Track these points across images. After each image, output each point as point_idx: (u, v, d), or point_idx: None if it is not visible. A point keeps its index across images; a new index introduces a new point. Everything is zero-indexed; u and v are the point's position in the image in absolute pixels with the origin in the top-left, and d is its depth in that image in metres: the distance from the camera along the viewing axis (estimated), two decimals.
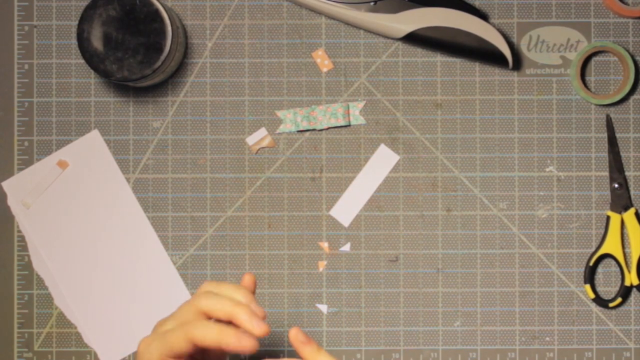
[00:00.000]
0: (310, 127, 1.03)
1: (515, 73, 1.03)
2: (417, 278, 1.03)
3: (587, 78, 1.04)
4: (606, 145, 1.03)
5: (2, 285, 1.04)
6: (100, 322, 1.03)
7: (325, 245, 1.03)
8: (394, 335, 1.03)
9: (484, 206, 1.03)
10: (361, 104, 1.03)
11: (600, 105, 1.03)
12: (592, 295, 1.02)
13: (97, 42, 0.96)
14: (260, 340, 1.03)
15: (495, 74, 1.03)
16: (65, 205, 1.03)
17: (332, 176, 1.03)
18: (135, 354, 0.84)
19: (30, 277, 1.04)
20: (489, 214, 1.03)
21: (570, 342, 1.03)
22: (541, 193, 1.03)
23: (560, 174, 1.03)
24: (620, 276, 1.03)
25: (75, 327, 1.03)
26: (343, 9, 1.01)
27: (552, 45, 1.03)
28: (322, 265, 1.03)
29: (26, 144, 1.04)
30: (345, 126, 1.03)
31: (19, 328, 1.03)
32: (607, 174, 1.03)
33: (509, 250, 1.03)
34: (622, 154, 1.03)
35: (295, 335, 0.79)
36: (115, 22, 0.96)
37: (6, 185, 1.04)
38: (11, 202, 1.04)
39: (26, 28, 1.04)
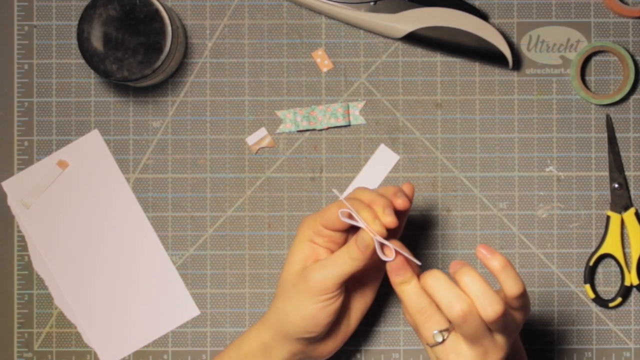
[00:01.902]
0: (310, 127, 1.03)
1: (515, 73, 1.03)
2: None
3: (587, 78, 1.04)
4: (606, 145, 1.03)
5: (2, 285, 1.04)
6: (100, 322, 1.03)
7: None
8: (394, 335, 1.03)
9: (484, 206, 1.03)
10: (361, 104, 1.03)
11: (600, 105, 1.03)
12: (592, 295, 1.02)
13: (97, 42, 0.96)
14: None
15: (495, 74, 1.03)
16: (65, 205, 1.03)
17: (332, 176, 1.03)
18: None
19: (30, 277, 1.04)
20: (489, 214, 1.03)
21: (570, 342, 1.02)
22: (541, 193, 1.03)
23: (560, 174, 1.03)
24: (620, 276, 1.03)
25: (75, 327, 1.03)
26: (343, 9, 1.01)
27: (552, 45, 1.03)
28: None
29: (26, 144, 1.04)
30: (345, 126, 1.03)
31: (19, 328, 1.03)
32: (607, 174, 1.03)
33: (509, 250, 1.03)
34: (622, 154, 1.03)
35: (479, 250, 0.82)
36: (115, 22, 0.96)
37: (6, 185, 1.04)
38: (11, 202, 1.03)
39: (26, 28, 1.04)
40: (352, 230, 0.91)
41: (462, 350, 0.82)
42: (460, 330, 0.81)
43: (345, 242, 0.92)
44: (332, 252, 0.91)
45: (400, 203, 0.89)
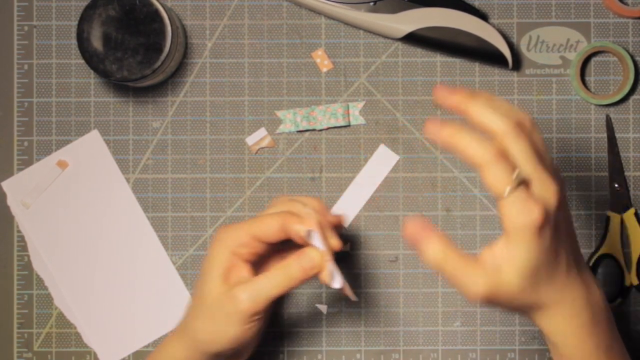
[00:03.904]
0: (310, 127, 1.03)
1: (515, 73, 1.03)
2: (416, 278, 1.03)
3: (586, 78, 1.04)
4: (606, 145, 1.03)
5: (2, 285, 1.04)
6: (100, 322, 1.03)
7: None
8: (394, 335, 1.03)
9: (483, 206, 1.03)
10: (361, 104, 1.03)
11: (600, 105, 1.03)
12: None
13: (97, 42, 0.96)
14: (260, 339, 1.03)
15: (495, 74, 1.03)
16: (65, 205, 1.03)
17: (332, 176, 1.03)
18: (211, 242, 0.89)
19: (30, 277, 1.04)
20: (489, 214, 1.03)
21: None
22: None
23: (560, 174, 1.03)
24: (620, 276, 1.03)
25: (75, 327, 1.03)
26: (343, 9, 1.01)
27: (552, 46, 1.03)
28: None
29: (26, 144, 1.04)
30: (345, 126, 1.03)
31: (18, 328, 1.03)
32: (607, 174, 1.03)
33: None
34: (622, 154, 1.03)
35: (436, 90, 0.77)
36: (115, 22, 0.96)
37: (6, 185, 1.04)
38: (11, 202, 1.03)
39: (26, 28, 1.04)
40: (280, 244, 0.89)
41: (541, 183, 0.75)
42: (519, 144, 0.74)
43: (266, 253, 0.90)
44: (252, 265, 0.89)
45: (336, 244, 0.87)
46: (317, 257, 0.85)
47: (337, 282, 0.85)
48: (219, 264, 0.87)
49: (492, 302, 0.77)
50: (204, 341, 0.88)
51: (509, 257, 0.75)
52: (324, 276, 0.86)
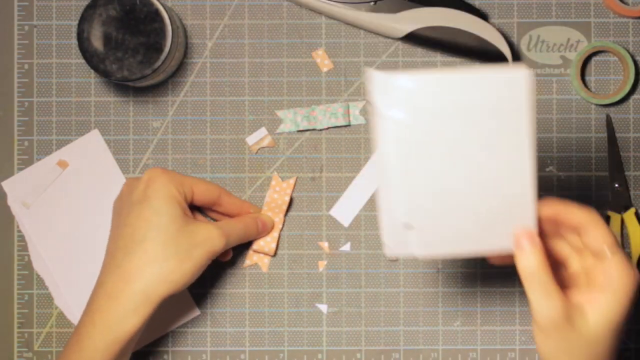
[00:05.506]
0: (310, 127, 1.03)
1: None
2: (417, 278, 1.03)
3: (587, 78, 1.04)
4: (606, 145, 1.03)
5: (2, 285, 1.04)
6: None
7: (325, 245, 1.03)
8: (394, 335, 1.03)
9: None
10: (361, 104, 1.03)
11: (600, 105, 1.03)
12: None
13: (97, 42, 0.96)
14: (260, 339, 1.03)
15: None
16: (65, 205, 1.03)
17: (332, 176, 1.03)
18: (147, 179, 0.93)
19: (30, 277, 1.04)
20: None
21: None
22: (541, 193, 1.03)
23: (560, 174, 1.03)
24: None
25: None
26: (343, 9, 1.01)
27: (552, 45, 1.03)
28: (322, 265, 1.03)
29: (26, 143, 1.04)
30: (346, 126, 1.03)
31: (19, 328, 1.03)
32: (607, 174, 1.03)
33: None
34: (622, 154, 1.03)
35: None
36: (115, 22, 0.96)
37: (6, 185, 1.04)
38: (11, 202, 1.03)
39: (26, 28, 1.04)
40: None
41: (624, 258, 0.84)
42: (605, 227, 0.83)
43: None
44: None
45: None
46: (271, 222, 1.01)
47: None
48: (177, 202, 0.92)
49: (550, 333, 0.80)
50: (165, 281, 0.90)
51: (598, 305, 0.80)
52: (267, 243, 1.01)
